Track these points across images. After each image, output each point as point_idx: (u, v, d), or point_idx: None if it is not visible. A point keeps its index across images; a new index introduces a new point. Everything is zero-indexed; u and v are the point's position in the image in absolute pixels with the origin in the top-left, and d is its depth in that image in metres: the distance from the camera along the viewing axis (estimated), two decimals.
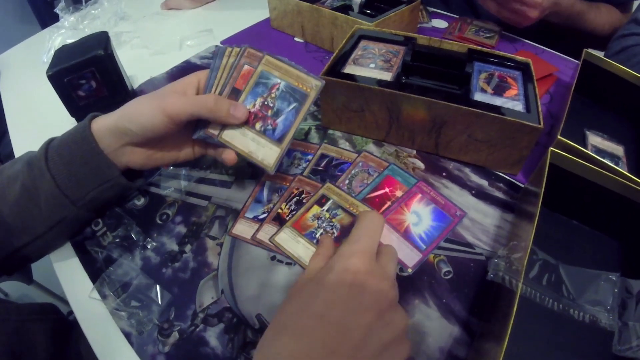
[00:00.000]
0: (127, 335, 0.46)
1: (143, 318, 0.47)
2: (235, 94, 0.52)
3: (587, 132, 0.64)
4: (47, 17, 1.81)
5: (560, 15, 0.85)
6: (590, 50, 0.71)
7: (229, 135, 0.52)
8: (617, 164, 0.58)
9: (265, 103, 0.52)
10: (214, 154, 0.54)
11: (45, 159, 0.48)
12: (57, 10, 1.05)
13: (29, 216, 0.48)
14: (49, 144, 0.50)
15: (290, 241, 0.53)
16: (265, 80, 0.52)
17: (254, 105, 0.52)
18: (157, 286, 0.49)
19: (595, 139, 0.63)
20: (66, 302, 0.51)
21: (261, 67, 0.52)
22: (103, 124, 0.49)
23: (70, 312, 0.52)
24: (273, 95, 0.51)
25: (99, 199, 0.51)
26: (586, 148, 0.61)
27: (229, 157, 0.52)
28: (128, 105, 0.49)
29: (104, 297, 0.49)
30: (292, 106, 0.50)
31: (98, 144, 0.48)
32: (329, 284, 0.36)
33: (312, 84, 0.50)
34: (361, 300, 0.35)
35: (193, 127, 0.53)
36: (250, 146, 0.51)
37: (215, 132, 0.52)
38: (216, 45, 0.94)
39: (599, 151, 0.61)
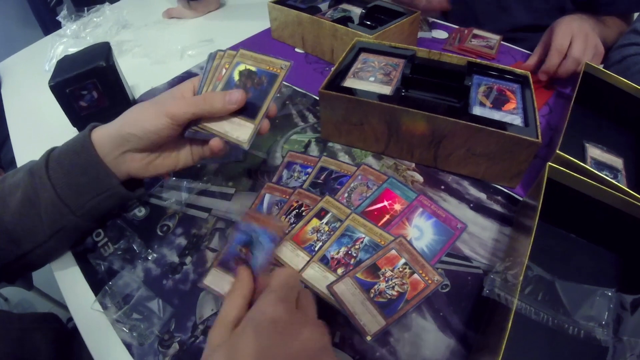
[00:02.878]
0: (128, 346, 0.46)
1: (144, 330, 0.47)
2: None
3: (587, 145, 0.64)
4: (49, 23, 1.81)
5: None
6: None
7: (207, 121, 0.53)
8: (616, 177, 0.59)
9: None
10: (209, 153, 0.56)
11: (46, 168, 0.48)
12: (59, 18, 1.05)
13: (30, 224, 0.49)
14: (50, 153, 0.50)
15: (289, 254, 0.53)
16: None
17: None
18: (160, 300, 0.50)
19: (594, 151, 0.63)
20: (66, 309, 0.52)
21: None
22: (104, 133, 0.50)
23: (70, 319, 0.53)
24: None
25: (98, 208, 0.51)
26: (585, 160, 0.61)
27: (214, 144, 0.53)
28: (129, 112, 0.50)
29: (105, 308, 0.49)
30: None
31: (98, 153, 0.49)
32: (251, 335, 0.33)
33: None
34: (288, 351, 0.33)
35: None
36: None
37: (205, 126, 0.53)
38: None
39: (598, 164, 0.61)
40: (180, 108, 0.49)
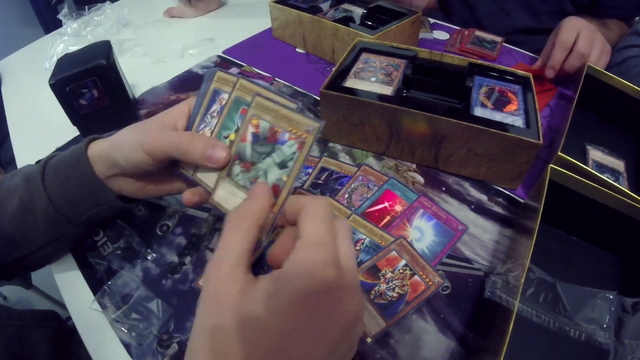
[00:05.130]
0: (127, 346, 0.46)
1: (143, 330, 0.47)
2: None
3: (588, 147, 0.64)
4: (50, 21, 1.81)
5: None
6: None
7: (205, 177, 0.41)
8: (617, 179, 0.59)
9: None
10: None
11: (42, 177, 0.47)
12: (60, 16, 1.05)
13: (27, 230, 0.48)
14: (47, 161, 0.49)
15: None
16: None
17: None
18: (159, 300, 0.49)
19: (596, 154, 0.63)
20: (65, 307, 0.51)
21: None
22: (97, 150, 0.48)
23: (69, 317, 0.53)
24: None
25: (96, 217, 0.50)
26: (587, 163, 0.61)
27: (187, 197, 0.42)
28: (120, 133, 0.46)
29: (104, 307, 0.49)
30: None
31: (93, 168, 0.47)
32: (287, 308, 0.26)
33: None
34: (328, 327, 0.27)
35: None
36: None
37: (188, 170, 0.43)
38: (218, 55, 0.95)
39: (600, 166, 0.61)
40: (156, 144, 0.41)
